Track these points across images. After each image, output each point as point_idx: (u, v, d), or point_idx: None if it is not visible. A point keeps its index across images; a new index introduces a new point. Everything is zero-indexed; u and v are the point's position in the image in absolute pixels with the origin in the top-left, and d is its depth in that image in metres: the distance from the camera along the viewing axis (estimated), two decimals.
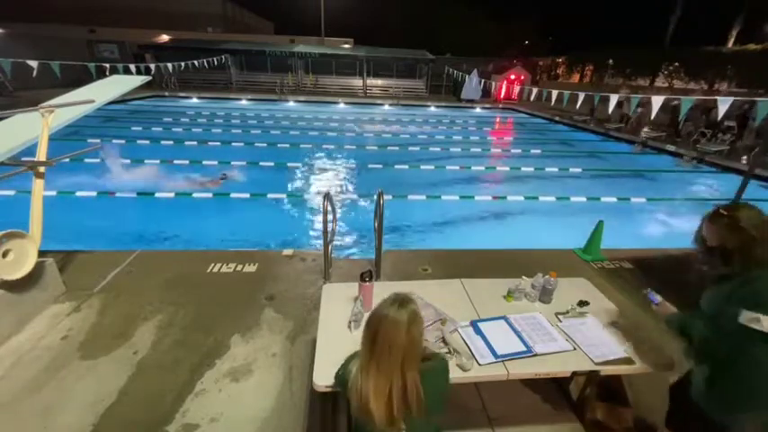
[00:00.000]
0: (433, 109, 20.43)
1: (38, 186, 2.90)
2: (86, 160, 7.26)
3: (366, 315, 1.94)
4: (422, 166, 8.67)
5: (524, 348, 1.80)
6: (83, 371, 2.46)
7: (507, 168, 9.24)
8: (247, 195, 6.44)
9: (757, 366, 1.37)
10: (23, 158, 2.98)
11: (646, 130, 12.66)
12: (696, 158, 10.10)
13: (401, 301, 1.25)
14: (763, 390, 1.39)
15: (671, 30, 21.83)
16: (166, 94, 19.80)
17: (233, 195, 6.38)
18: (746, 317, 1.31)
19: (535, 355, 1.78)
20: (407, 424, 1.24)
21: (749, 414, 1.45)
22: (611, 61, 21.52)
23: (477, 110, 20.76)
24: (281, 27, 37.74)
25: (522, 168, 8.82)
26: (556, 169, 8.77)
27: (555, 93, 9.08)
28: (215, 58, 17.88)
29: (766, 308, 1.29)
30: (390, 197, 6.31)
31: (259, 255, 4.07)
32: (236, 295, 3.33)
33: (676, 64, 17.81)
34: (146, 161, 7.83)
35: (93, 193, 5.95)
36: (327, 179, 7.84)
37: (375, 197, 3.42)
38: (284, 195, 6.68)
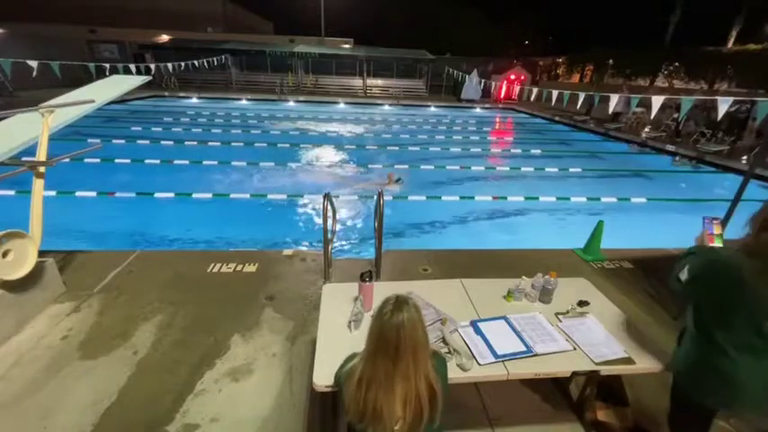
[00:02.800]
0: (433, 109, 20.43)
1: (38, 186, 2.90)
2: (86, 160, 7.26)
3: (366, 315, 1.95)
4: (422, 166, 8.67)
5: (524, 348, 1.80)
6: (83, 371, 2.46)
7: (507, 168, 9.23)
8: (247, 195, 6.45)
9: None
10: (23, 158, 2.98)
11: (646, 130, 12.67)
12: (690, 158, 10.12)
13: (404, 301, 1.24)
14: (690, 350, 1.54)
15: (671, 30, 21.82)
16: (166, 94, 19.81)
17: (233, 196, 6.38)
18: (685, 267, 1.49)
19: (535, 355, 1.78)
20: (418, 424, 1.24)
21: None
22: (611, 61, 21.53)
23: (477, 110, 20.76)
24: (281, 27, 37.73)
25: (522, 168, 8.83)
26: (556, 169, 8.77)
27: (555, 93, 9.08)
28: (215, 58, 17.87)
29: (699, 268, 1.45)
30: (390, 197, 6.31)
31: (259, 255, 4.07)
32: (236, 295, 3.33)
33: (676, 64, 17.82)
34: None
35: (93, 194, 5.95)
36: (327, 179, 7.84)
37: (375, 197, 3.42)
38: (284, 195, 6.68)
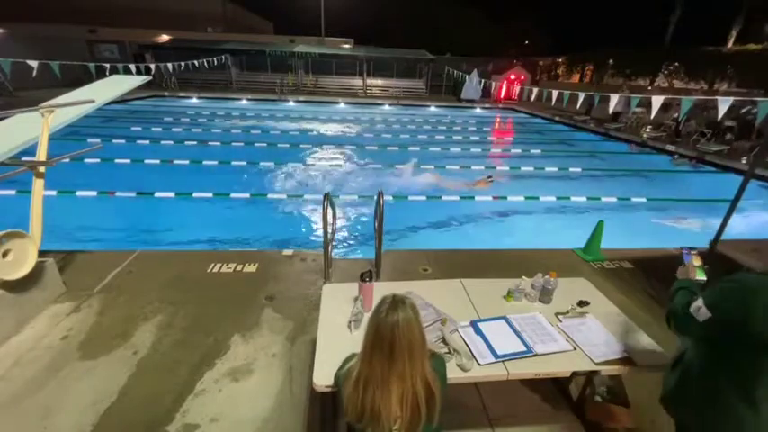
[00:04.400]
0: (433, 109, 20.42)
1: (38, 186, 2.91)
2: (86, 160, 7.26)
3: (366, 315, 1.95)
4: (422, 166, 8.66)
5: (524, 348, 1.80)
6: (83, 371, 2.46)
7: (507, 168, 9.23)
8: (247, 195, 6.44)
9: (689, 358, 1.38)
10: (23, 158, 2.99)
11: (647, 130, 12.67)
12: (690, 158, 10.12)
13: (401, 300, 1.24)
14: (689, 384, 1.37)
15: (671, 30, 21.83)
16: (166, 94, 19.80)
17: (233, 195, 6.38)
18: (695, 305, 1.28)
19: (535, 355, 1.77)
20: (416, 424, 1.24)
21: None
22: (611, 61, 21.55)
23: (477, 110, 20.76)
24: (281, 27, 37.72)
25: (522, 168, 8.82)
26: (556, 169, 8.77)
27: (555, 93, 9.08)
28: (215, 58, 17.88)
29: (716, 300, 1.24)
30: (390, 197, 6.31)
31: (259, 255, 4.07)
32: (236, 295, 3.33)
33: (676, 64, 17.82)
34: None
35: (94, 193, 5.95)
36: (327, 179, 7.85)
37: (375, 197, 3.42)
38: (284, 195, 6.68)
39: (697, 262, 1.61)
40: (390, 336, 1.18)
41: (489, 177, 7.58)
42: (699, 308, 1.26)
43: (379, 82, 25.21)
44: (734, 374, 1.24)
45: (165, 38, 24.60)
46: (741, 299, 1.18)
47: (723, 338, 1.25)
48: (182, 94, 20.06)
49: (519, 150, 11.41)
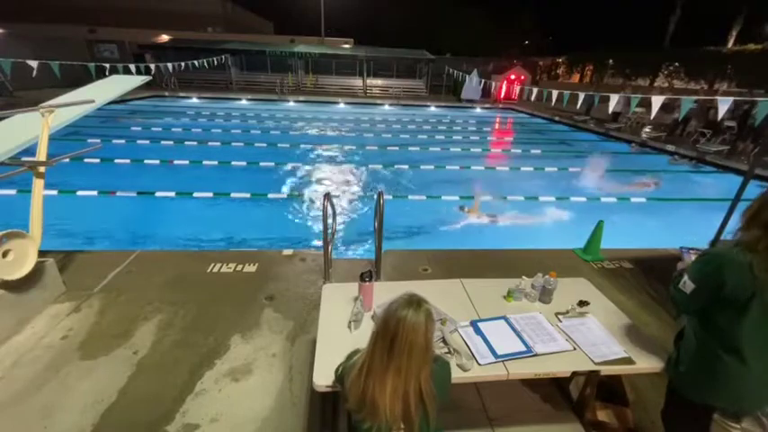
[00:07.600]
0: (433, 109, 20.42)
1: (38, 186, 2.90)
2: (86, 160, 7.26)
3: (366, 315, 1.96)
4: (422, 166, 8.67)
5: (524, 348, 1.80)
6: (83, 371, 2.46)
7: (507, 168, 9.23)
8: (248, 195, 6.45)
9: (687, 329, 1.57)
10: (23, 158, 2.98)
11: (646, 130, 12.67)
12: (690, 158, 10.12)
13: (417, 301, 1.24)
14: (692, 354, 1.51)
15: (671, 30, 21.83)
16: (166, 93, 19.80)
17: (233, 195, 6.38)
18: (682, 281, 1.48)
19: (535, 355, 1.78)
20: (410, 424, 1.24)
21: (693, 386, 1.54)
22: (611, 61, 21.55)
23: (477, 110, 20.75)
24: (281, 27, 37.75)
25: (522, 168, 8.83)
26: (555, 169, 8.76)
27: (555, 93, 9.06)
28: (215, 58, 17.87)
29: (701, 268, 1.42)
30: (390, 197, 6.31)
31: (259, 255, 4.07)
32: (236, 295, 3.33)
33: (676, 64, 17.82)
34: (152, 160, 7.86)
35: (94, 193, 5.95)
36: (327, 179, 7.85)
37: (375, 197, 3.42)
38: (284, 195, 6.67)
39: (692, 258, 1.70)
40: (393, 330, 1.19)
41: (656, 182, 7.81)
42: (685, 282, 1.47)
43: (379, 82, 25.21)
44: (722, 338, 1.40)
45: (165, 38, 24.60)
46: (716, 267, 1.37)
47: (708, 306, 1.43)
48: (182, 94, 20.05)
49: (519, 150, 11.41)
